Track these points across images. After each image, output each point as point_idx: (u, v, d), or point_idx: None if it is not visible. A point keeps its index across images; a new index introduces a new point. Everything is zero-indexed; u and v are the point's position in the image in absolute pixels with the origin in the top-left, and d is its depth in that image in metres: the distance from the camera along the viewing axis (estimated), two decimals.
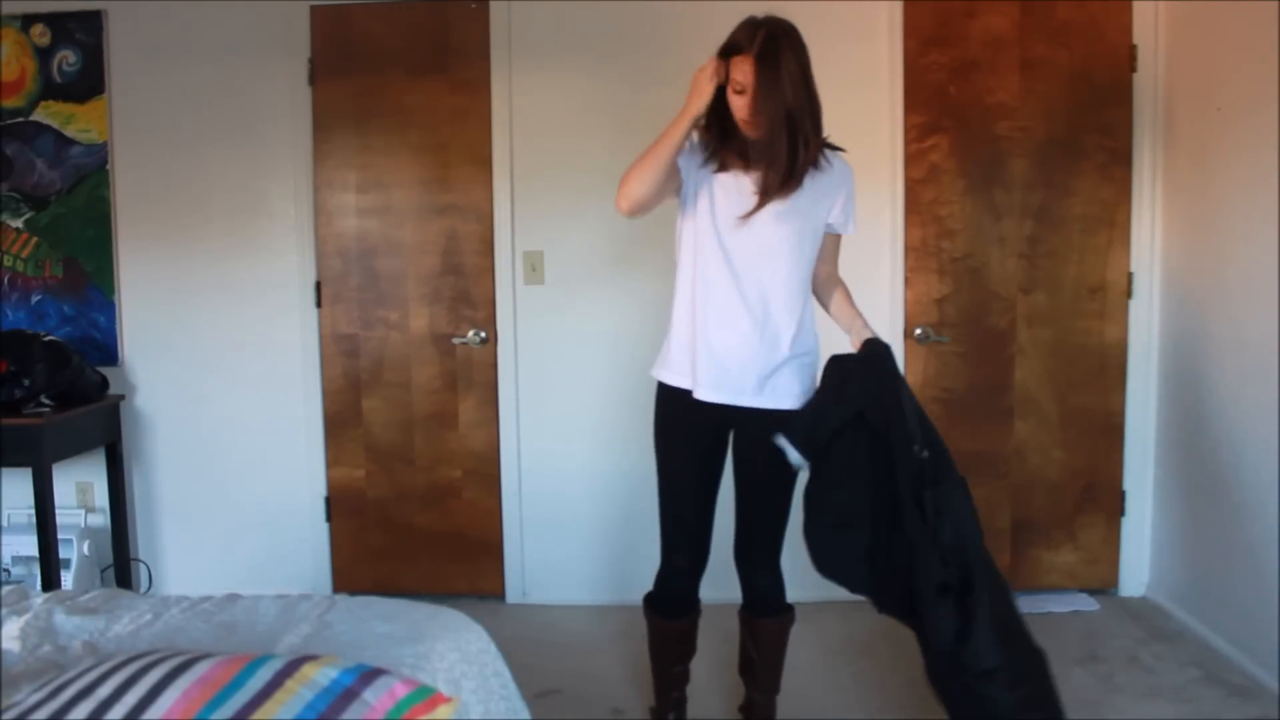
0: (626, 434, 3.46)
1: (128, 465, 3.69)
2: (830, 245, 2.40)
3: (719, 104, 2.18)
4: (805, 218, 2.26)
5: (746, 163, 2.23)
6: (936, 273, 3.50)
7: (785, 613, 2.45)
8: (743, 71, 2.11)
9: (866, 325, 2.33)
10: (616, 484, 3.54)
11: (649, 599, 2.51)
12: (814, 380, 2.34)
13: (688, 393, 2.29)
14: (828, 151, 2.25)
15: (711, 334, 2.26)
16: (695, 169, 2.26)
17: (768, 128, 2.13)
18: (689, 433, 2.36)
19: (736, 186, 2.24)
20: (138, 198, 3.62)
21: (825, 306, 2.45)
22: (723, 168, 2.24)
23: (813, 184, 2.23)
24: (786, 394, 2.29)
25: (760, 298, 2.24)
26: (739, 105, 2.15)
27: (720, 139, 2.23)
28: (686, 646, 2.53)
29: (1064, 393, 3.52)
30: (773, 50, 2.09)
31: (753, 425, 2.31)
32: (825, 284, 2.42)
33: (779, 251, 2.24)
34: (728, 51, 2.15)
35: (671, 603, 2.46)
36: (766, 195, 2.19)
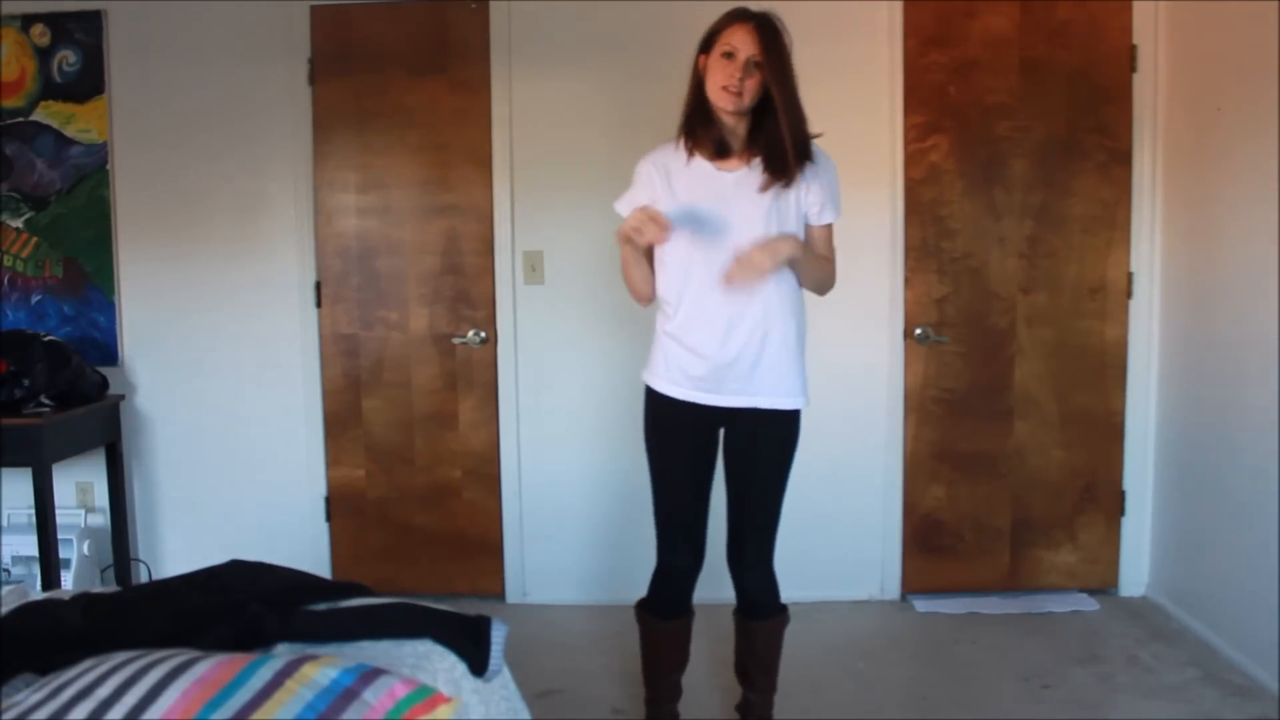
0: (626, 434, 3.45)
1: (128, 465, 3.69)
2: (818, 238, 2.32)
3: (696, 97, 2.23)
4: (787, 207, 2.23)
5: (717, 153, 2.23)
6: (936, 273, 3.50)
7: (779, 614, 2.44)
8: (739, 37, 2.13)
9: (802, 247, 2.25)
10: (616, 484, 3.54)
11: (643, 603, 2.48)
12: (804, 374, 2.33)
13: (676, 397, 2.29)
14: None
15: (699, 335, 2.24)
16: (659, 188, 2.26)
17: (778, 92, 2.12)
18: (681, 435, 2.34)
19: (710, 180, 2.23)
20: (138, 198, 3.62)
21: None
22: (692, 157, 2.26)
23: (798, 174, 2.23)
24: (777, 390, 2.27)
25: (749, 295, 2.21)
26: (727, 72, 2.14)
27: (691, 130, 2.24)
28: (680, 653, 2.49)
29: (1064, 393, 3.52)
30: (774, 25, 2.15)
31: (743, 424, 2.31)
32: None
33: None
34: (710, 38, 2.20)
35: (667, 603, 2.43)
36: (783, 171, 2.18)
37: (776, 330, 2.24)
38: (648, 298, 2.35)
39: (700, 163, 2.24)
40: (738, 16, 2.17)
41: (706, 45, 2.21)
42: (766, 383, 2.26)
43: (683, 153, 2.26)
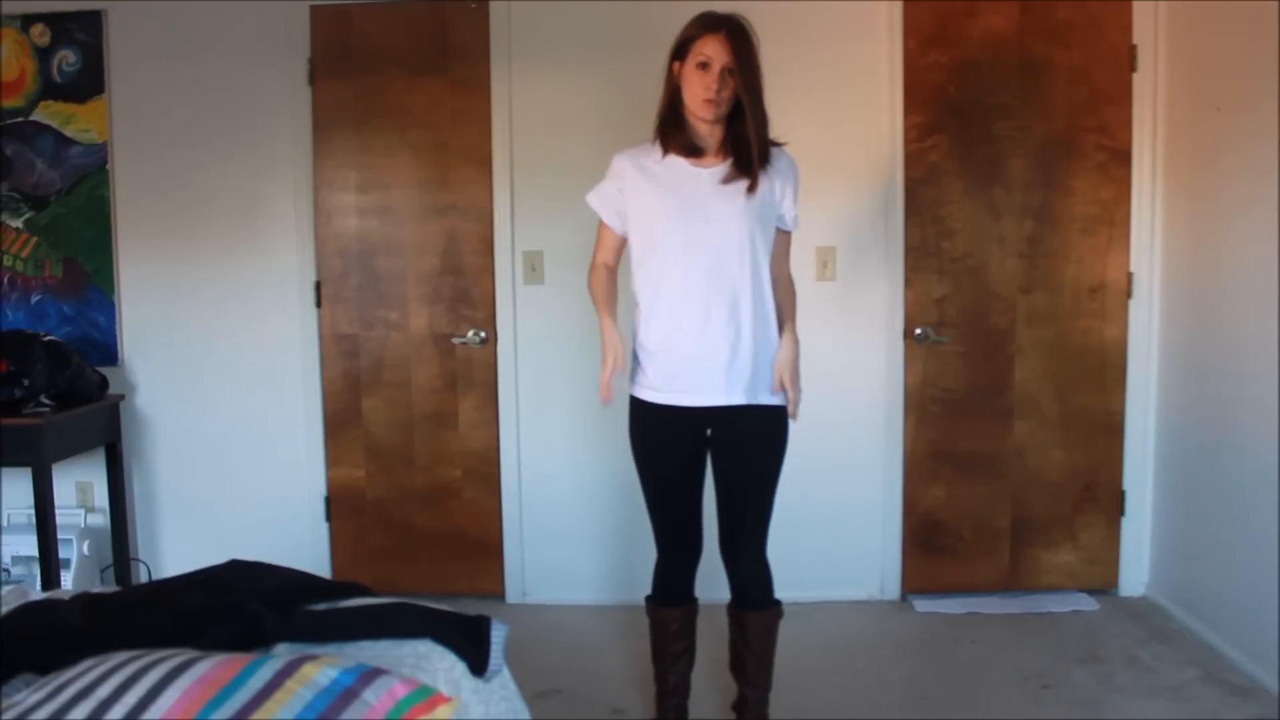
0: (625, 434, 3.46)
1: (127, 465, 3.69)
2: (783, 243, 2.41)
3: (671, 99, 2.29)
4: (763, 206, 2.29)
5: (690, 154, 2.28)
6: (936, 273, 3.50)
7: (773, 606, 2.46)
8: (713, 47, 2.19)
9: (792, 332, 2.34)
10: (616, 483, 3.54)
11: (649, 597, 2.55)
12: None
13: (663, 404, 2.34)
14: (771, 148, 2.31)
15: (675, 333, 2.28)
16: (629, 180, 2.32)
17: (747, 98, 2.19)
18: (667, 440, 2.39)
19: (683, 177, 2.28)
20: (137, 198, 3.62)
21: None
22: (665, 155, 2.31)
23: (764, 175, 2.29)
24: (754, 385, 2.30)
25: (726, 291, 2.26)
26: (704, 83, 2.20)
27: (665, 133, 2.30)
28: (687, 640, 2.53)
29: (1064, 393, 3.52)
30: (743, 30, 2.20)
31: (728, 422, 2.33)
32: (775, 284, 2.37)
33: (741, 243, 2.26)
34: (682, 46, 2.25)
35: (670, 592, 2.51)
36: (747, 171, 2.24)
37: (749, 326, 2.28)
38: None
39: (675, 159, 2.30)
40: (708, 25, 2.22)
41: (680, 53, 2.27)
42: (744, 378, 2.29)
43: (658, 151, 2.32)
